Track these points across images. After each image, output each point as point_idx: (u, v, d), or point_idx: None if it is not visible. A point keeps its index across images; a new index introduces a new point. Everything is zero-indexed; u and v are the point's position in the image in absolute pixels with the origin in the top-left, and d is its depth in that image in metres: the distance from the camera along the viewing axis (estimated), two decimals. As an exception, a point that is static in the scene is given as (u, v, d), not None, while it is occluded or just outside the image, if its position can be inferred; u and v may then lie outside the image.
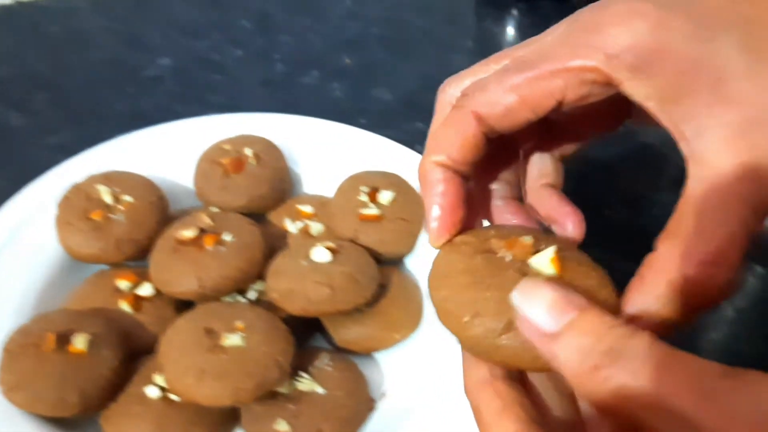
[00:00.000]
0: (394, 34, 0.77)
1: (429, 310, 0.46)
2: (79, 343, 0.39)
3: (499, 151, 0.30)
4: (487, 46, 0.79)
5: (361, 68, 0.72)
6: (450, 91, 0.29)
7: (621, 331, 0.19)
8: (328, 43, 0.75)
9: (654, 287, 0.22)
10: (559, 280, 0.24)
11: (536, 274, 0.24)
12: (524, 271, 0.24)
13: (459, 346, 0.25)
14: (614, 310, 0.23)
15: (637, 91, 0.23)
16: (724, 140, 0.21)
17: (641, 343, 0.19)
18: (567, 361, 0.20)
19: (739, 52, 0.22)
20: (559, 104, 0.25)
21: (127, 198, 0.47)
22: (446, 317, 0.25)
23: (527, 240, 0.26)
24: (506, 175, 0.31)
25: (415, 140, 0.64)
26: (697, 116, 0.22)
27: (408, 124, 0.65)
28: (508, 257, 0.25)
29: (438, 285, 0.26)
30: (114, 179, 0.49)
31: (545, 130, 0.31)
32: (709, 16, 0.22)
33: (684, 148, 0.23)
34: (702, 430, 0.17)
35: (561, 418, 0.25)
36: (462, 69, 0.30)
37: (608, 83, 0.24)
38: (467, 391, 0.25)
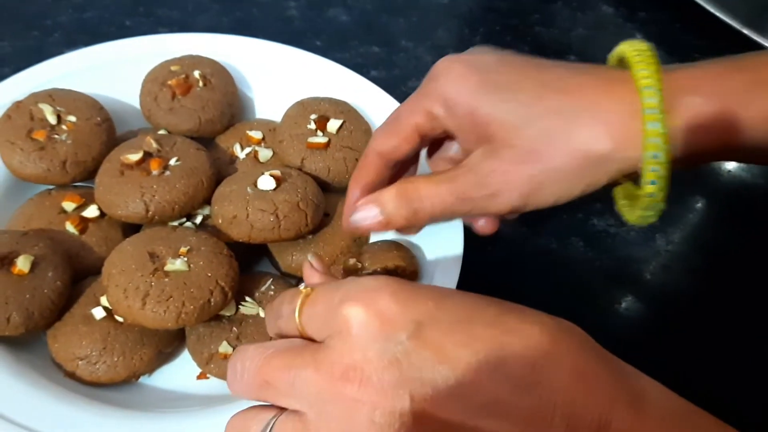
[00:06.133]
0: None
1: (373, 238, 0.47)
2: (23, 264, 0.40)
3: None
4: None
5: (317, -14, 0.70)
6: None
7: None
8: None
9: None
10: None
11: None
12: None
13: None
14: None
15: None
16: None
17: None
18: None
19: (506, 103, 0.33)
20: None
21: (71, 118, 0.47)
22: None
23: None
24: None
25: (369, 64, 0.64)
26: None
27: (363, 47, 0.64)
28: None
29: None
30: (58, 98, 0.48)
31: None
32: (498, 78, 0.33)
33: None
34: None
35: None
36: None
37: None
38: None
